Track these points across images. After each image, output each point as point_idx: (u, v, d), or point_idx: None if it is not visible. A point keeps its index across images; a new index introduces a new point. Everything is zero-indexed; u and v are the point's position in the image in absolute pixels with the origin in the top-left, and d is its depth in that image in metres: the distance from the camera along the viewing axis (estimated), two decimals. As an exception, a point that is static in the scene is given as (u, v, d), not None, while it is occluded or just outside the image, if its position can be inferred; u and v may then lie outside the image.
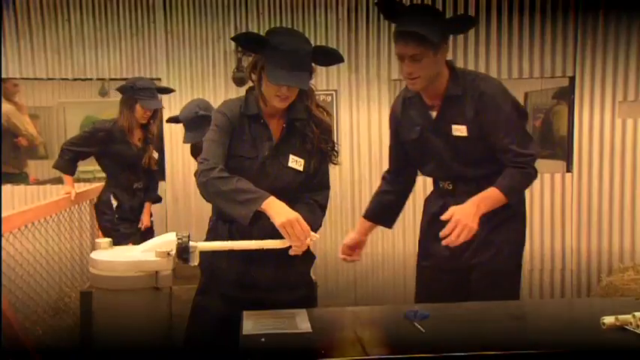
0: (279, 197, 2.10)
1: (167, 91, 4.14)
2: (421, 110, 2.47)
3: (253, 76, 2.25)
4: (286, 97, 2.19)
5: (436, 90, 2.40)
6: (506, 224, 2.45)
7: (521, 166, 2.36)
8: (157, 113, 4.03)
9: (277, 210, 2.05)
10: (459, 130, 2.39)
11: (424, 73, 2.31)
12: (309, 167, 2.30)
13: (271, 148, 2.26)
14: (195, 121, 3.69)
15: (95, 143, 3.91)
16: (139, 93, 3.86)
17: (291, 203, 2.14)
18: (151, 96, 3.91)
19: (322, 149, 2.33)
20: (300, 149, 2.29)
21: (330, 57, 2.23)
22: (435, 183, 2.59)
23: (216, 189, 2.11)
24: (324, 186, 2.37)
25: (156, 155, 4.10)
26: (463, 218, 2.20)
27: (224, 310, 2.26)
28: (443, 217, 2.24)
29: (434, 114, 2.44)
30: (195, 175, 2.23)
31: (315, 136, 2.29)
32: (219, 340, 2.22)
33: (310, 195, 2.30)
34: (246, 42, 2.30)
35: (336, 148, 2.39)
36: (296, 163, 2.28)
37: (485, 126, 2.37)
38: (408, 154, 2.61)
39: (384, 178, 2.75)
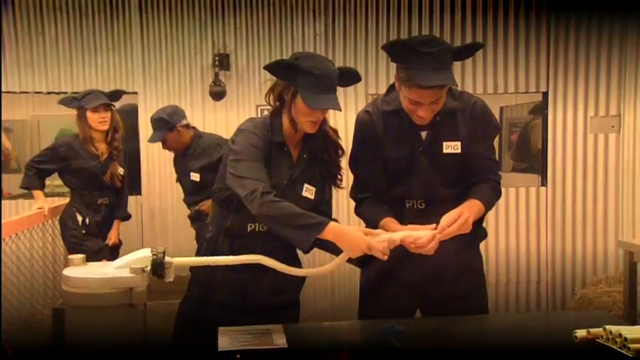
0: None
1: (117, 94, 4.01)
2: (409, 128, 2.25)
3: (278, 104, 2.23)
4: (318, 121, 2.19)
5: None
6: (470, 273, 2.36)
7: (495, 183, 2.29)
8: (115, 123, 3.91)
9: (346, 245, 1.99)
10: (452, 147, 2.23)
11: (437, 109, 2.18)
12: (321, 194, 2.29)
13: (291, 176, 2.24)
14: (159, 122, 4.00)
15: (57, 159, 3.87)
16: (83, 100, 3.83)
17: None
18: (96, 97, 3.85)
19: (333, 173, 2.32)
20: (314, 176, 2.28)
21: (352, 78, 2.24)
22: (399, 201, 2.33)
23: (275, 213, 2.03)
24: (329, 214, 2.32)
25: (121, 171, 3.99)
26: (470, 215, 2.08)
27: (218, 318, 2.22)
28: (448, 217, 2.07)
29: (424, 133, 2.25)
30: (246, 197, 2.08)
31: (331, 161, 2.30)
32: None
33: None
34: (279, 69, 2.17)
35: (341, 172, 2.37)
36: (309, 191, 2.26)
37: (475, 137, 2.25)
38: (382, 173, 2.33)
39: (363, 199, 2.39)
